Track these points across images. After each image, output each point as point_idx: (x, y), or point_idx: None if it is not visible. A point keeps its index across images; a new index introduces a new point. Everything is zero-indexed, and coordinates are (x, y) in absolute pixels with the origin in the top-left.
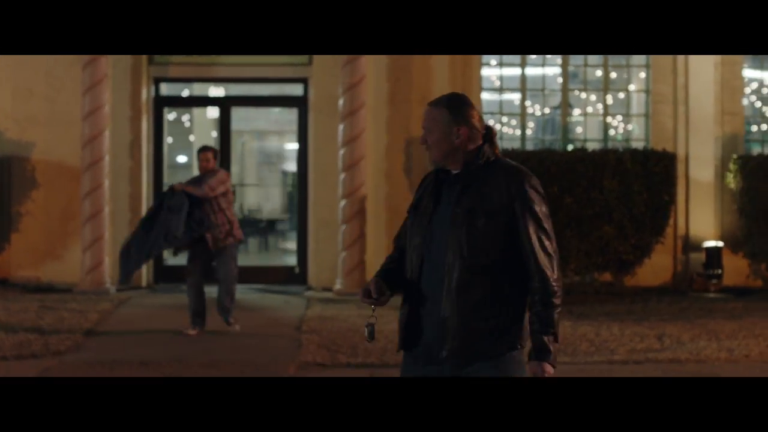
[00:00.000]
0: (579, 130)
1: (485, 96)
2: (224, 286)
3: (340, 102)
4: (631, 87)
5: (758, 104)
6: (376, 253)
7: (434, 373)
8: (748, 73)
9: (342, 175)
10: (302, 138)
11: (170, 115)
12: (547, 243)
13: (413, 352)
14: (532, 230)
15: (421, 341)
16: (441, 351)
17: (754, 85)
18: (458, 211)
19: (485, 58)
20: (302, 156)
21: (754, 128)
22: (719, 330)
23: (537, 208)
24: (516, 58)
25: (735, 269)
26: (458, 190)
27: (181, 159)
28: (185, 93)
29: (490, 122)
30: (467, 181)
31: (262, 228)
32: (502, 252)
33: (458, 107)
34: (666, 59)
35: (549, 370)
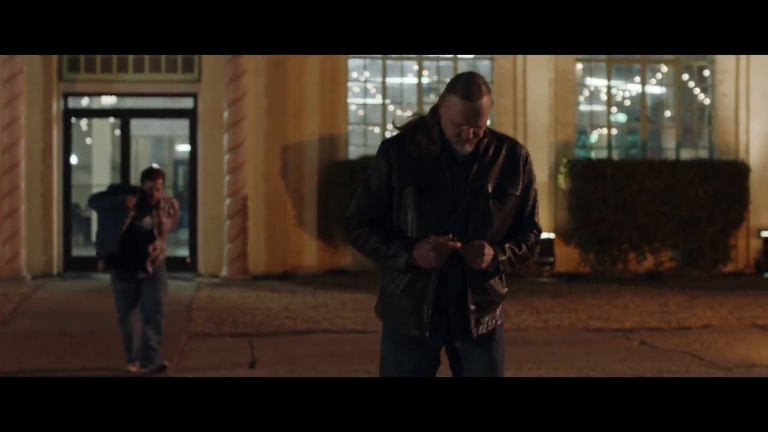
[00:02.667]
0: None
1: (351, 110)
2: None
3: (225, 114)
4: None
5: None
6: (256, 245)
7: (438, 345)
8: (594, 81)
9: (227, 178)
10: (192, 145)
11: (78, 125)
12: (538, 208)
13: (433, 334)
14: (533, 196)
15: (443, 322)
16: (473, 329)
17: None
18: (485, 188)
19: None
20: (192, 160)
21: (596, 136)
22: (541, 306)
23: (535, 177)
24: (378, 77)
25: (567, 257)
26: (479, 166)
27: (86, 163)
28: (91, 106)
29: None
30: (485, 154)
31: None
32: (509, 220)
33: (489, 89)
34: (507, 77)
35: (489, 254)
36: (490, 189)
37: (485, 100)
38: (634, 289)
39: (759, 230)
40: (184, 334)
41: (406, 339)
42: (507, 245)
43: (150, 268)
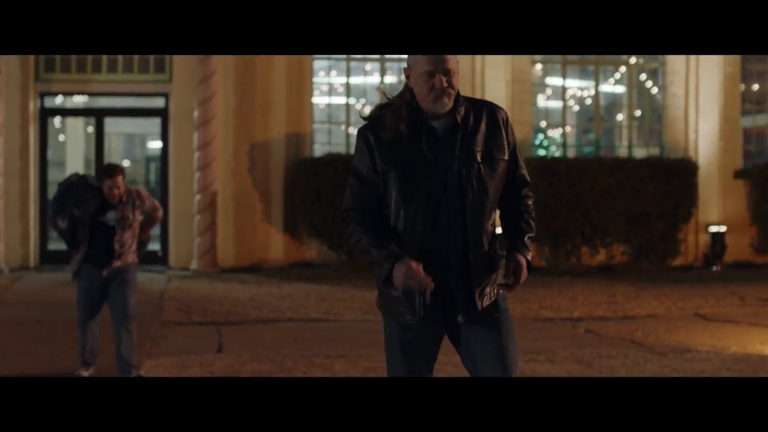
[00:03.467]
0: None
1: (317, 110)
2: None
3: (195, 113)
4: None
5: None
6: (225, 239)
7: (444, 328)
8: (551, 81)
9: (197, 174)
10: (164, 142)
11: (53, 123)
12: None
13: (431, 315)
14: (521, 159)
15: (441, 301)
16: (478, 302)
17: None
18: (473, 155)
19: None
20: (164, 158)
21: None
22: None
23: (516, 137)
24: (342, 80)
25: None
26: (463, 134)
27: (60, 159)
28: (66, 105)
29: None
30: (466, 122)
31: None
32: (501, 184)
33: None
34: (465, 77)
35: (525, 268)
36: (479, 157)
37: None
38: (585, 282)
39: (707, 225)
40: (156, 323)
41: (402, 329)
42: (526, 238)
43: (116, 264)
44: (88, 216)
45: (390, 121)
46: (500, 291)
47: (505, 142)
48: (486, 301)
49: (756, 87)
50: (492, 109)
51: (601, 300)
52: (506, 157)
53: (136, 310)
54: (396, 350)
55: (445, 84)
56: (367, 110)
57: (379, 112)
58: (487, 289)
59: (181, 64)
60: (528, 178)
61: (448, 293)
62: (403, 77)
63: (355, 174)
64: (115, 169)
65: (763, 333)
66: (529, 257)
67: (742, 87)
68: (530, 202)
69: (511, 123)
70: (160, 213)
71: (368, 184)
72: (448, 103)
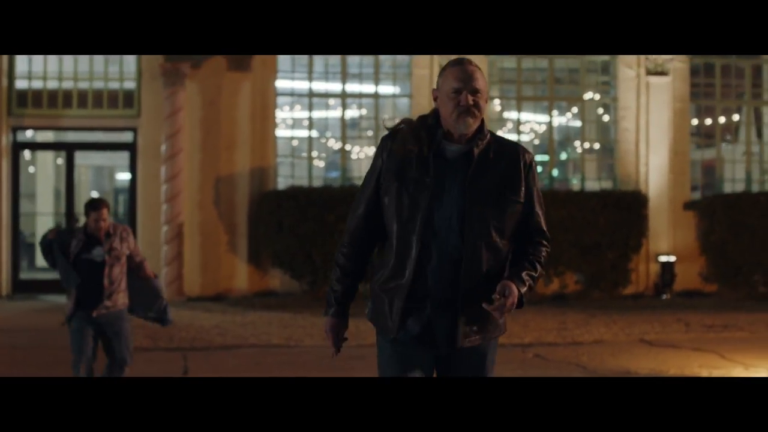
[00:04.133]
0: (355, 168)
1: (280, 144)
2: None
3: (163, 147)
4: None
5: None
6: (191, 269)
7: (430, 356)
8: (508, 115)
9: (164, 206)
10: (132, 175)
11: (23, 155)
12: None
13: (407, 335)
14: (539, 207)
15: (417, 324)
16: (456, 337)
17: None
18: (482, 188)
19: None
20: (132, 190)
21: None
22: None
23: (539, 183)
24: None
25: None
26: (476, 168)
27: (31, 191)
28: (37, 139)
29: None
30: (482, 157)
31: None
32: (514, 231)
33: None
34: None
35: (515, 292)
36: (486, 189)
37: (478, 70)
38: (538, 309)
39: (657, 255)
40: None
41: (392, 344)
42: (524, 274)
43: (108, 303)
44: (74, 255)
45: (403, 136)
46: (492, 342)
47: (523, 185)
48: (468, 342)
49: (708, 122)
50: (516, 150)
51: (552, 326)
52: (521, 200)
53: (133, 357)
54: (387, 366)
55: (471, 102)
56: (392, 122)
57: (401, 125)
58: (475, 328)
59: (149, 99)
60: (544, 228)
61: (427, 323)
62: (363, 112)
63: (360, 188)
64: (100, 202)
65: (702, 357)
66: (523, 290)
67: (696, 121)
68: (543, 250)
69: (536, 168)
70: (141, 258)
71: (368, 202)
72: (473, 124)
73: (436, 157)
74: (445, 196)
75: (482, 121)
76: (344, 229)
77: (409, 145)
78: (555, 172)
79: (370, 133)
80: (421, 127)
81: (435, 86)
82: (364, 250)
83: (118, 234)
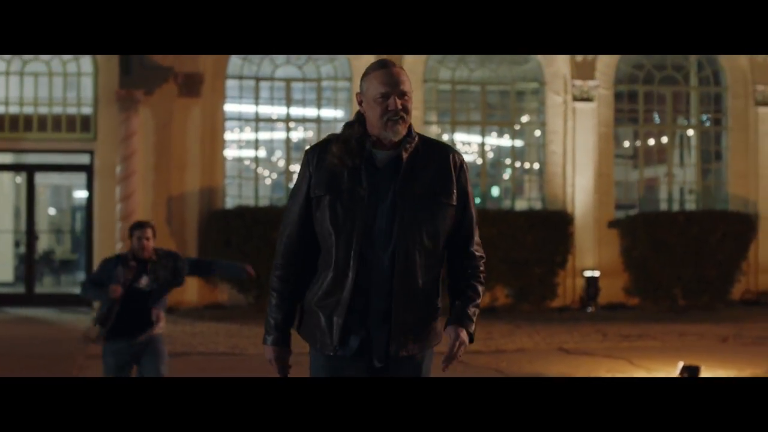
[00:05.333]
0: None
1: (229, 165)
2: None
3: (118, 169)
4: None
5: None
6: None
7: (365, 369)
8: (444, 137)
9: (119, 224)
10: (89, 195)
11: None
12: (477, 223)
13: (347, 350)
14: (472, 209)
15: (357, 338)
16: (391, 347)
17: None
18: (413, 193)
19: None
20: (89, 209)
21: None
22: None
23: (471, 185)
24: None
25: None
26: (405, 172)
27: None
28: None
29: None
30: (411, 161)
31: (56, 267)
32: (448, 236)
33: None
34: None
35: (465, 338)
36: (418, 194)
37: (403, 72)
38: None
39: (582, 270)
40: (82, 356)
41: (326, 359)
42: (470, 308)
43: (151, 332)
44: (122, 283)
45: (335, 149)
46: (427, 351)
47: (454, 187)
48: (404, 352)
49: (636, 144)
50: (446, 150)
51: (479, 336)
52: (453, 202)
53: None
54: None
55: (400, 107)
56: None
57: (329, 137)
58: (411, 338)
59: (105, 124)
60: (474, 231)
61: (365, 336)
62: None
63: (289, 209)
64: (145, 222)
65: (612, 363)
66: (472, 329)
67: (627, 143)
68: (480, 264)
69: (467, 170)
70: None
71: (299, 219)
72: (402, 130)
73: (367, 166)
74: (380, 205)
75: (409, 124)
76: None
77: (341, 157)
78: (495, 191)
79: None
80: (349, 137)
81: (359, 90)
82: (299, 270)
83: (163, 263)
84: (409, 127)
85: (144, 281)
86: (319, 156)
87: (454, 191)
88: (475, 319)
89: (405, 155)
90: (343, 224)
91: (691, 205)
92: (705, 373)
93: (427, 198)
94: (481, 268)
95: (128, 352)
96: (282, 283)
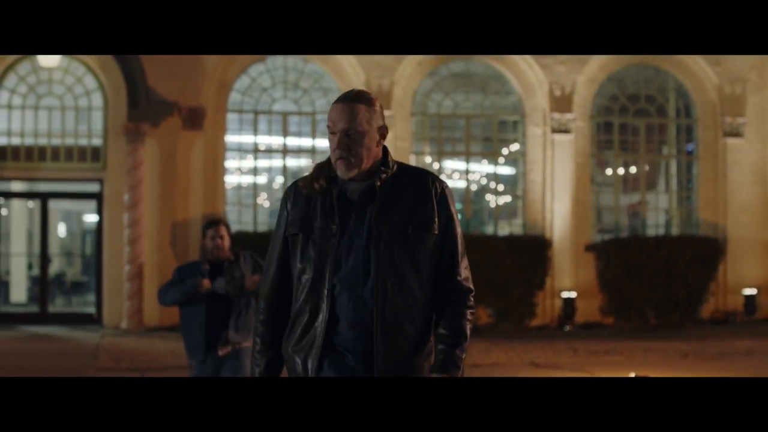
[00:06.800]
0: None
1: (229, 193)
2: None
3: (126, 197)
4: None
5: None
6: (151, 303)
7: None
8: (431, 167)
9: (126, 248)
10: (99, 220)
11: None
12: (464, 254)
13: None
14: (457, 241)
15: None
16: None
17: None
18: (390, 224)
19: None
20: (98, 233)
21: None
22: None
23: (456, 216)
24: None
25: None
26: (380, 203)
27: (6, 231)
28: (14, 189)
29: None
30: (386, 191)
31: (67, 288)
32: (431, 268)
33: (375, 102)
34: None
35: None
36: (394, 224)
37: (360, 106)
38: None
39: (560, 291)
40: (92, 369)
41: None
42: (456, 353)
43: (234, 341)
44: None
45: (306, 184)
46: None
47: (436, 216)
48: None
49: (609, 172)
50: (424, 178)
51: None
52: (435, 231)
53: None
54: None
55: (341, 146)
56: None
57: (310, 170)
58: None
59: (114, 155)
60: (458, 261)
61: (346, 374)
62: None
63: (271, 248)
64: (217, 219)
65: (575, 374)
66: (459, 375)
67: (610, 171)
68: (467, 299)
69: (450, 197)
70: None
71: (279, 260)
72: (348, 171)
73: (339, 200)
74: (354, 240)
75: (386, 152)
76: None
77: (311, 192)
78: (478, 217)
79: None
80: (320, 171)
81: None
82: (283, 315)
83: (241, 261)
84: (385, 156)
85: (219, 284)
86: (295, 193)
87: (435, 219)
88: (461, 364)
89: (378, 185)
90: (314, 262)
91: (671, 230)
92: None
93: (406, 229)
94: (469, 303)
95: (212, 365)
96: (264, 328)
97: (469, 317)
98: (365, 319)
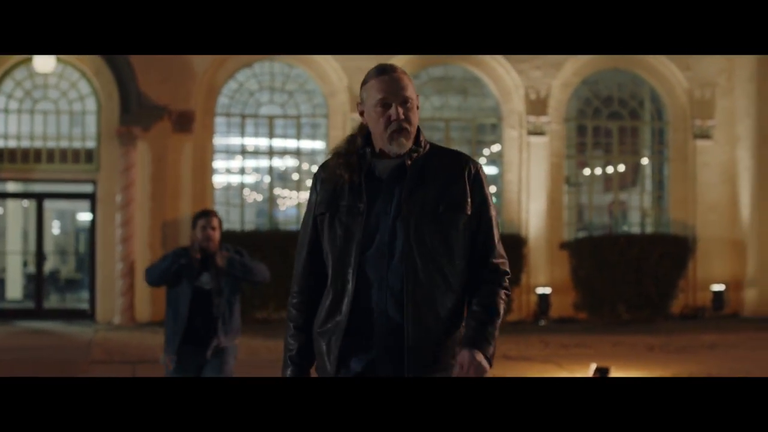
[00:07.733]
0: (282, 217)
1: (217, 193)
2: None
3: (118, 198)
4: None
5: None
6: (142, 299)
7: None
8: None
9: (119, 247)
10: (92, 220)
11: None
12: (499, 237)
13: (349, 374)
14: (492, 223)
15: (360, 361)
16: (406, 373)
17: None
18: (421, 203)
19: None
20: (92, 232)
21: None
22: None
23: (491, 198)
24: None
25: None
26: (410, 181)
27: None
28: (11, 189)
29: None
30: (417, 169)
31: (62, 285)
32: (464, 250)
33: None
34: None
35: (481, 361)
36: (425, 203)
37: (405, 76)
38: None
39: (535, 287)
40: (86, 362)
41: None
42: (488, 329)
43: (219, 340)
44: (184, 280)
45: (335, 164)
46: (447, 370)
47: (468, 197)
48: (422, 372)
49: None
50: (458, 157)
51: None
52: (467, 211)
53: None
54: None
55: (402, 117)
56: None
57: (335, 150)
58: (426, 363)
59: (107, 157)
60: (494, 242)
61: (370, 363)
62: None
63: (302, 231)
64: (209, 210)
65: (544, 366)
66: (489, 352)
67: (588, 171)
68: (503, 279)
69: (485, 179)
70: (258, 275)
71: (310, 242)
72: (406, 143)
73: (368, 179)
74: (382, 219)
75: (418, 130)
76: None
77: (339, 172)
78: None
79: (294, 181)
80: (349, 151)
81: (359, 99)
82: (314, 298)
83: (227, 256)
84: (418, 134)
85: (204, 279)
86: (324, 174)
87: (468, 200)
88: (493, 341)
89: (409, 163)
90: (341, 243)
91: (646, 229)
92: (615, 374)
93: (437, 209)
94: (504, 284)
95: (192, 362)
96: (297, 312)
97: (503, 297)
98: (396, 300)
